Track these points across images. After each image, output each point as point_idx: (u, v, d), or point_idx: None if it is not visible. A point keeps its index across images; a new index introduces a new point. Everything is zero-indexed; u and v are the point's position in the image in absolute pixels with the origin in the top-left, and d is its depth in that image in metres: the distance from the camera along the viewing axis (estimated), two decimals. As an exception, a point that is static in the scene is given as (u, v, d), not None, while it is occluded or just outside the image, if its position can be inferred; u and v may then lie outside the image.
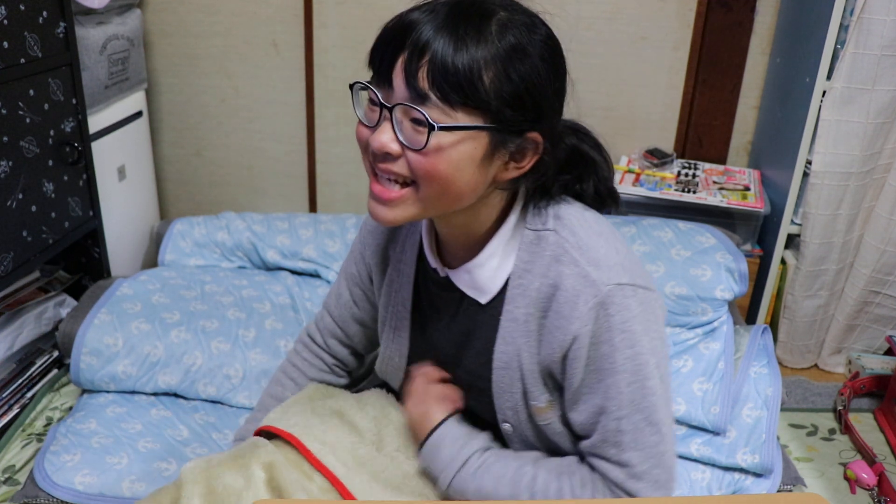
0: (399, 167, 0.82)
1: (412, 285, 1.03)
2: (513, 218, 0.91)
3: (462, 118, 0.79)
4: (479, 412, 1.01)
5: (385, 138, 0.81)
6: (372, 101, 0.83)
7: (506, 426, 0.97)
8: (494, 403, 0.96)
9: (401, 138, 0.80)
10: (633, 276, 0.86)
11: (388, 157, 0.81)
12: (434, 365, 1.05)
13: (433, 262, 0.98)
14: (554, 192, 0.92)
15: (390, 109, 0.80)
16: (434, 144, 0.79)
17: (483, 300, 0.94)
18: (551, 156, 0.87)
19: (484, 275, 0.93)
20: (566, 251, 0.87)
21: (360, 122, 0.85)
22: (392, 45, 0.80)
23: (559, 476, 0.92)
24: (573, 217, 0.90)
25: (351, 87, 0.85)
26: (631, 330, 0.84)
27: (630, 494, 0.88)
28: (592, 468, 0.92)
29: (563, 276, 0.86)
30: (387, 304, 1.07)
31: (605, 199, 0.98)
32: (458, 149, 0.80)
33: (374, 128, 0.82)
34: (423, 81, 0.77)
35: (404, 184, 0.83)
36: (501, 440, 1.02)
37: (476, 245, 0.93)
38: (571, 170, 0.95)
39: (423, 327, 1.04)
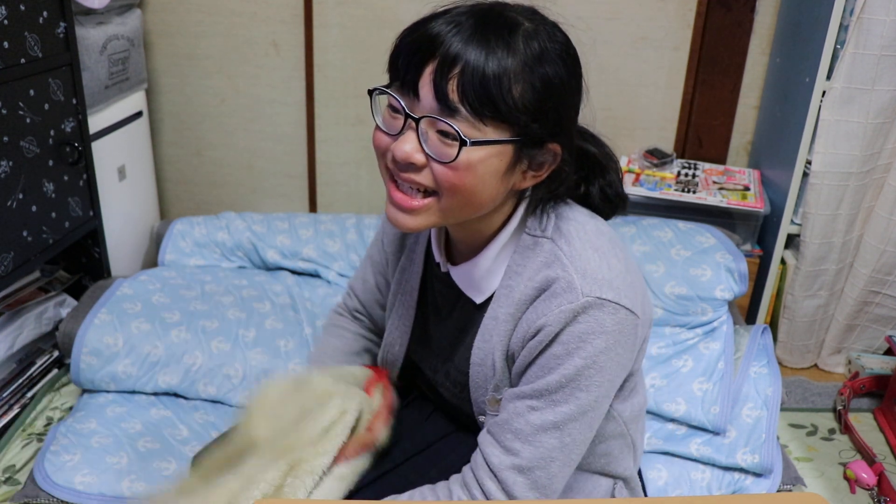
0: (423, 178, 0.82)
1: (420, 276, 1.05)
2: (514, 221, 0.91)
3: (490, 132, 0.79)
4: (463, 407, 1.03)
5: (409, 148, 0.80)
6: (393, 109, 0.83)
7: (482, 418, 0.98)
8: (471, 397, 0.98)
9: (427, 150, 0.80)
10: (618, 295, 0.84)
11: (411, 166, 0.81)
12: (428, 359, 1.06)
13: (438, 257, 1.00)
14: (560, 193, 0.91)
15: (417, 121, 0.80)
16: (464, 159, 0.78)
17: (478, 300, 0.95)
18: (569, 165, 0.87)
19: (477, 274, 0.94)
20: (558, 258, 0.87)
21: (378, 128, 0.84)
22: (419, 54, 0.79)
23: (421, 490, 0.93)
24: (573, 227, 0.89)
25: (370, 92, 0.85)
26: (591, 343, 0.83)
27: (501, 484, 0.87)
28: (476, 451, 0.91)
29: (549, 280, 0.86)
30: (396, 291, 1.09)
31: (613, 202, 0.98)
32: (486, 163, 0.80)
33: (395, 136, 0.82)
34: (454, 94, 0.77)
35: (426, 193, 0.83)
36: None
37: (481, 245, 0.93)
38: (577, 170, 0.95)
39: (426, 320, 1.06)
